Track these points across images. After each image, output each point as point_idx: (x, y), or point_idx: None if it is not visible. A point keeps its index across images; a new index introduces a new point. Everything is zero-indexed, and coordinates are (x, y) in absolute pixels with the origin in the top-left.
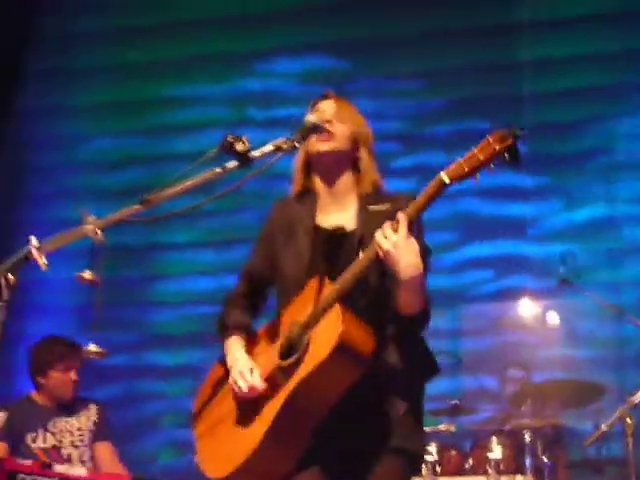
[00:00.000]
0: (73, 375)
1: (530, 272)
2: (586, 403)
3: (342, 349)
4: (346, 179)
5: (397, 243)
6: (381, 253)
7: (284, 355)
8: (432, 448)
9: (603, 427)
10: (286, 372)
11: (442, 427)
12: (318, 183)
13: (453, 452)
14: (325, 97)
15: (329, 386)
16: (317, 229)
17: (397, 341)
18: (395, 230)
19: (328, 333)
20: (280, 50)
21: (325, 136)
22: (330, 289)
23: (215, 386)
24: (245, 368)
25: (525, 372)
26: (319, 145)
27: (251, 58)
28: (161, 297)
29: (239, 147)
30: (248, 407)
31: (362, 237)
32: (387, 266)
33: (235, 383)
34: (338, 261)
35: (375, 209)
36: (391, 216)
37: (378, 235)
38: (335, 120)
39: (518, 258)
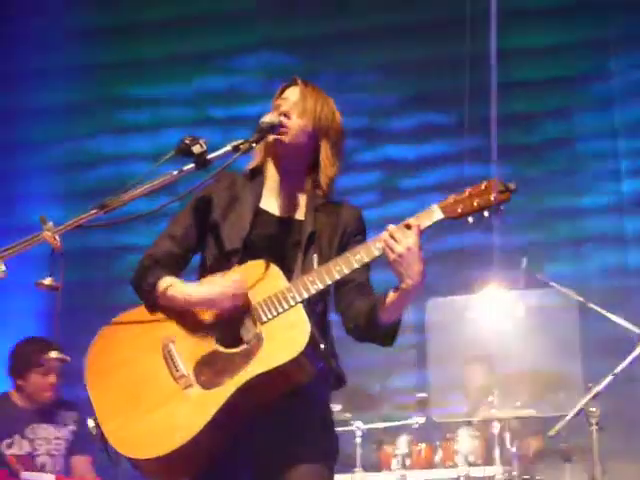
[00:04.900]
0: (52, 378)
1: (495, 263)
2: (552, 392)
3: (302, 359)
4: (299, 171)
5: (411, 247)
6: (393, 255)
7: (222, 340)
8: (402, 441)
9: (568, 416)
10: (230, 360)
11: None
12: (270, 168)
13: (423, 445)
14: (292, 84)
15: (276, 386)
16: (261, 210)
17: (331, 349)
18: (406, 236)
19: (291, 336)
20: (239, 48)
21: (279, 129)
22: (290, 285)
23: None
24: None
25: (488, 365)
26: (272, 135)
27: (211, 57)
28: (125, 300)
29: (196, 149)
30: (174, 382)
31: (312, 233)
32: (393, 269)
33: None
34: (279, 247)
35: (324, 211)
36: (336, 228)
37: (387, 237)
38: (294, 112)
39: (483, 249)
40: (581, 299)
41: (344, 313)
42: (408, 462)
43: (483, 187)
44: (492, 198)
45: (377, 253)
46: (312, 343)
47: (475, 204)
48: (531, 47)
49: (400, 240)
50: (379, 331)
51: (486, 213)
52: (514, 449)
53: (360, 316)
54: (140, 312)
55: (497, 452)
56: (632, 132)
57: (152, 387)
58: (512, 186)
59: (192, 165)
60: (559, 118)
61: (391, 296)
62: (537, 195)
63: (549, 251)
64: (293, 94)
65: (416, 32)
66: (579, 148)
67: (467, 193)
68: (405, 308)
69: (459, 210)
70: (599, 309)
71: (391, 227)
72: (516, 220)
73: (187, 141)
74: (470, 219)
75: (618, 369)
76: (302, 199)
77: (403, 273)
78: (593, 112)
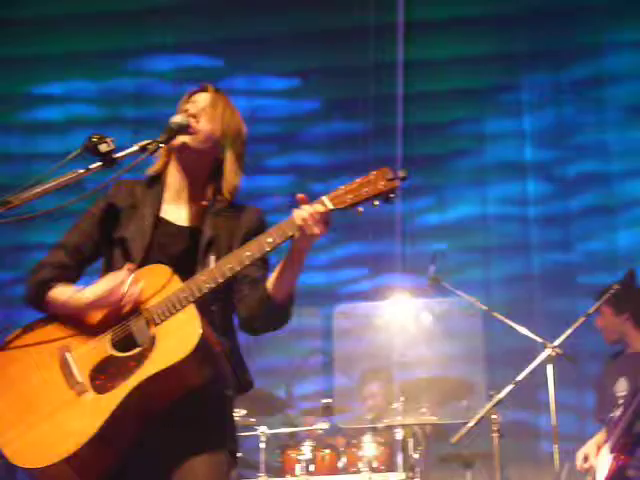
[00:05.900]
0: None
1: (403, 271)
2: (456, 399)
3: (194, 358)
4: (202, 178)
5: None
6: (318, 230)
7: (118, 345)
8: (306, 447)
9: (470, 423)
10: (124, 364)
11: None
12: (172, 173)
13: (327, 451)
14: (202, 90)
15: (171, 388)
16: (161, 219)
17: (231, 350)
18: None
19: (182, 335)
20: (153, 49)
21: (188, 130)
22: (183, 286)
23: (17, 354)
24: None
25: (393, 371)
26: (178, 137)
27: (123, 57)
28: None
29: (103, 148)
30: (69, 390)
31: (211, 238)
32: (301, 242)
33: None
34: (180, 255)
35: (224, 216)
36: (237, 230)
37: (310, 209)
38: (203, 116)
39: (391, 256)
40: (485, 308)
41: (237, 307)
42: (312, 468)
43: (372, 176)
44: (381, 186)
45: (268, 248)
46: (206, 342)
47: (364, 193)
48: (436, 58)
49: (319, 212)
50: (272, 310)
51: (376, 202)
52: (417, 455)
53: (253, 304)
54: (37, 324)
55: (400, 458)
56: (539, 142)
57: (48, 396)
58: (402, 173)
59: (99, 164)
60: (466, 128)
61: (281, 268)
62: (444, 204)
63: (456, 260)
64: (203, 99)
65: (328, 40)
66: (487, 157)
67: (357, 183)
68: (296, 278)
69: (349, 200)
70: (503, 318)
71: (304, 208)
72: (423, 228)
73: (94, 139)
74: (360, 209)
75: (519, 377)
76: (203, 206)
77: (308, 244)
78: (501, 123)
